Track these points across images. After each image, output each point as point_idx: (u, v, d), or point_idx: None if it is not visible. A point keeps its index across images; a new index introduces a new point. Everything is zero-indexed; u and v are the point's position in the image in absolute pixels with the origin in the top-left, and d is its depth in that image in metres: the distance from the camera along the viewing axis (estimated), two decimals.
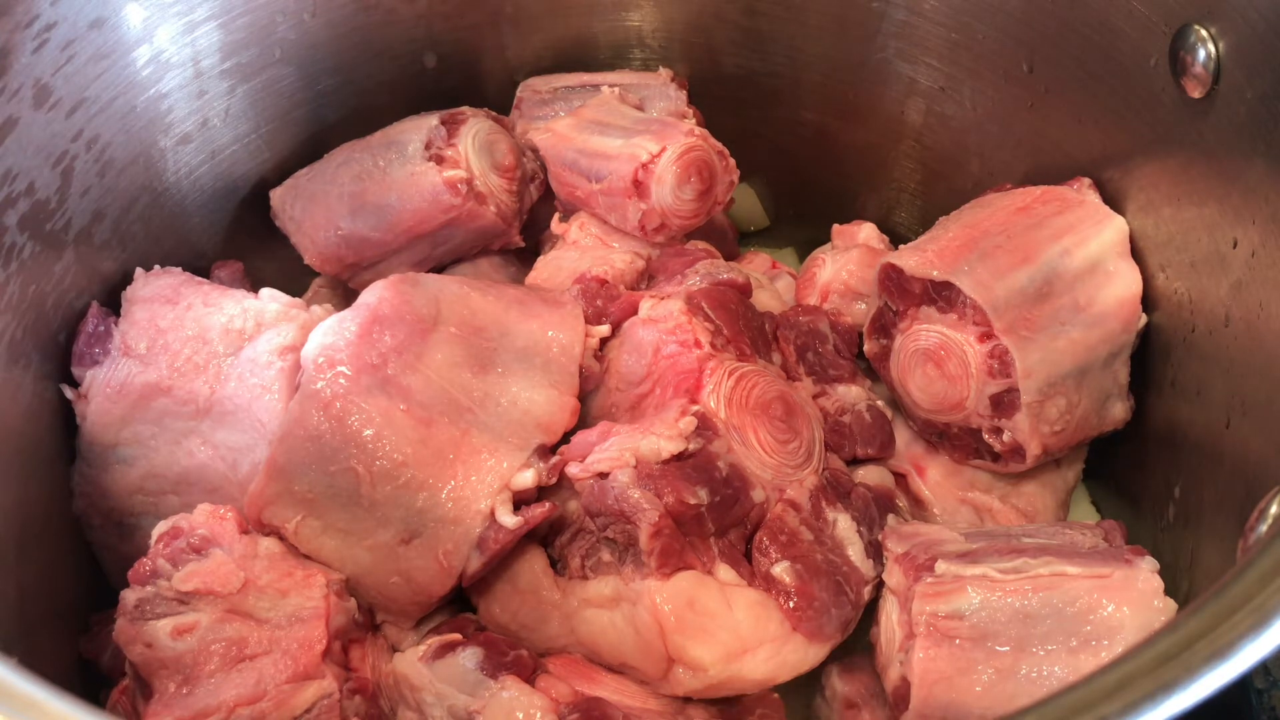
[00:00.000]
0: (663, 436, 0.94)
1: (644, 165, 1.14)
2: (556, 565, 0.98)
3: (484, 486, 0.93)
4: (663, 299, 1.05)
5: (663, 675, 0.92)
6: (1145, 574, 0.87)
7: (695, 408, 0.97)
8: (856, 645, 0.99)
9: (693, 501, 0.92)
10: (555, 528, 0.99)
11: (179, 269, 1.10)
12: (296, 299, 1.09)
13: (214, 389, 1.02)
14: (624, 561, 0.93)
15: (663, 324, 1.02)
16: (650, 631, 0.91)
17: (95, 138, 1.05)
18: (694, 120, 1.28)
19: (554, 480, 0.96)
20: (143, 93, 1.09)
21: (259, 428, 1.01)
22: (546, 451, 0.98)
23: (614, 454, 0.94)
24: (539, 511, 0.94)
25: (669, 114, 1.30)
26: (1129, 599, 0.86)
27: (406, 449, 0.93)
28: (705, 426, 0.96)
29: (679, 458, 0.94)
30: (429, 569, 0.93)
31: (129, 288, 1.07)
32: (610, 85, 1.31)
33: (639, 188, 1.14)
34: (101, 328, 1.04)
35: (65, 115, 1.00)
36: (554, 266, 1.19)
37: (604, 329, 1.06)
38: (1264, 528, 0.76)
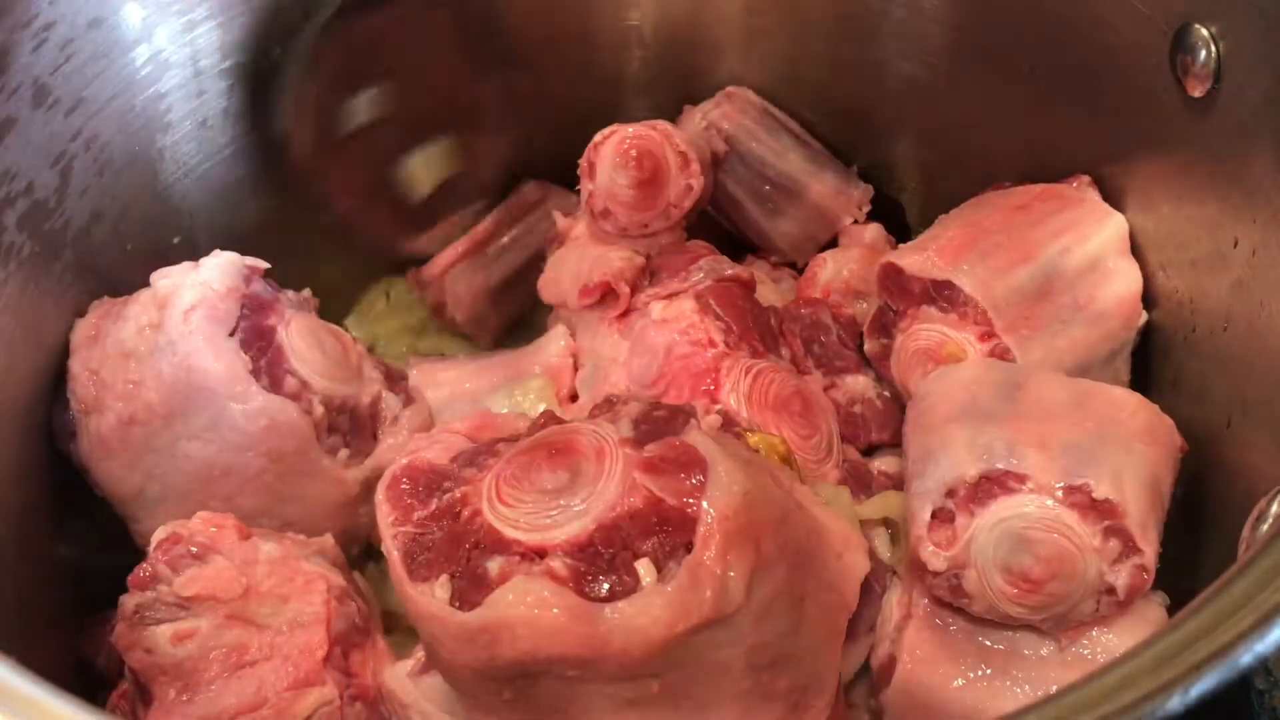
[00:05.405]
0: None
1: (595, 145, 1.14)
2: None
3: None
4: (671, 297, 1.04)
5: None
6: (1153, 605, 0.87)
7: (717, 407, 0.95)
8: None
9: None
10: None
11: (106, 298, 1.07)
12: (178, 266, 1.03)
13: (158, 390, 0.98)
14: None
15: (674, 324, 1.01)
16: None
17: (94, 137, 1.04)
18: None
19: None
20: (141, 92, 1.08)
21: (211, 387, 0.98)
22: None
23: None
24: None
25: None
26: (1129, 625, 0.86)
27: None
28: (729, 426, 0.95)
29: None
30: None
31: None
32: None
33: (590, 168, 1.15)
34: (59, 407, 1.02)
35: (64, 115, 1.00)
36: (558, 268, 1.18)
37: None
38: (1264, 528, 0.76)
